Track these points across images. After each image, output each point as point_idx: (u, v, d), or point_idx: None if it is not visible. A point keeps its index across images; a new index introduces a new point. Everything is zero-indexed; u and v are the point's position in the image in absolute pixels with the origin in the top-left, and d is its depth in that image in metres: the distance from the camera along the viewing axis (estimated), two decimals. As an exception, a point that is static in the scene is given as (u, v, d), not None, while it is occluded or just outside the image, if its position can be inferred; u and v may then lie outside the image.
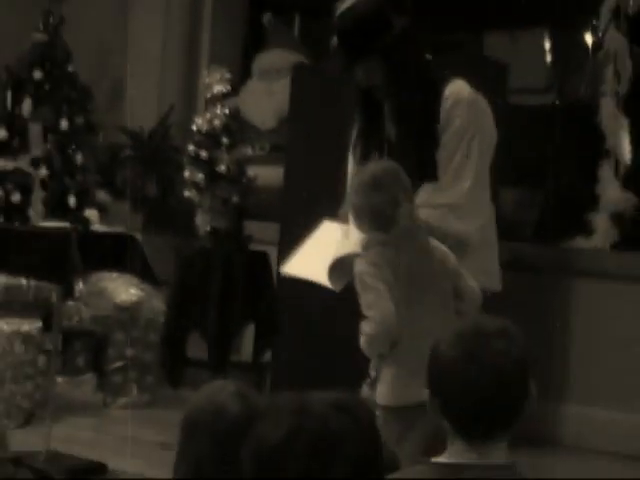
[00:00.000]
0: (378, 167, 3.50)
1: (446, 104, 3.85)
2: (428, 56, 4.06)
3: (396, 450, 2.99)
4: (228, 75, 5.95)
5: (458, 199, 3.83)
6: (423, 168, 3.86)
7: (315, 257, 3.85)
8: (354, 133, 4.07)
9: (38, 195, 6.31)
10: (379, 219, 3.35)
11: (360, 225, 3.43)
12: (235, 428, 2.10)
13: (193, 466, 2.15)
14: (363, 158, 3.97)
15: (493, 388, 2.09)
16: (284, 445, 1.81)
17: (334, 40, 3.94)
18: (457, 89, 3.88)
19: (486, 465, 2.13)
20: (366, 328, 3.32)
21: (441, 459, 2.18)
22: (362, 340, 3.33)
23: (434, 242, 3.52)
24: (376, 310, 3.30)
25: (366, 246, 3.42)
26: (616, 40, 6.06)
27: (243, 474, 1.87)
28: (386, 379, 3.37)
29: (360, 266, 3.36)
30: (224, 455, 2.10)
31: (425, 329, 3.21)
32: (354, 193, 3.41)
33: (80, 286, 5.89)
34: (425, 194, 3.84)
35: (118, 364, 5.99)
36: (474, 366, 2.08)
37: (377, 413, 3.24)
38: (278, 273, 5.72)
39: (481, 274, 4.00)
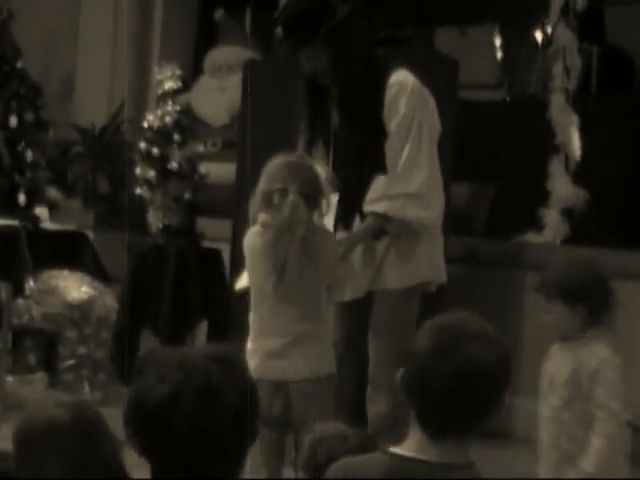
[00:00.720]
0: (283, 159, 3.61)
1: (390, 92, 3.85)
2: (378, 50, 4.08)
3: None
4: (179, 72, 5.91)
5: (418, 189, 3.84)
6: (365, 154, 3.87)
7: None
8: (301, 121, 4.07)
9: (-13, 192, 6.24)
10: (267, 205, 3.49)
11: (255, 208, 3.57)
12: (70, 439, 2.11)
13: None
14: (308, 145, 3.97)
15: (458, 388, 2.03)
16: (169, 401, 1.82)
17: (279, 29, 3.95)
18: (401, 78, 3.89)
19: (443, 464, 2.06)
20: None
21: (400, 450, 2.10)
22: None
23: (329, 250, 3.59)
24: None
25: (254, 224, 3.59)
26: (565, 37, 6.10)
27: (125, 428, 1.88)
28: None
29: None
30: (61, 467, 2.12)
31: (278, 326, 3.39)
32: (260, 179, 3.55)
33: (31, 284, 5.83)
34: (380, 186, 3.84)
35: (70, 362, 5.94)
36: (443, 364, 2.02)
37: None
38: (230, 270, 5.72)
39: (428, 266, 4.02)
